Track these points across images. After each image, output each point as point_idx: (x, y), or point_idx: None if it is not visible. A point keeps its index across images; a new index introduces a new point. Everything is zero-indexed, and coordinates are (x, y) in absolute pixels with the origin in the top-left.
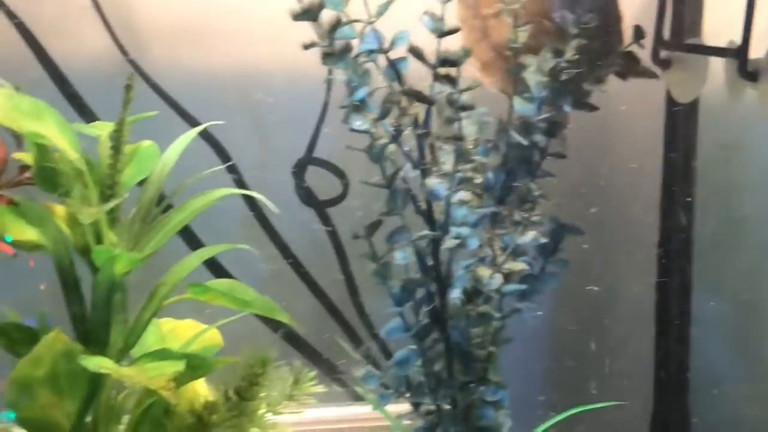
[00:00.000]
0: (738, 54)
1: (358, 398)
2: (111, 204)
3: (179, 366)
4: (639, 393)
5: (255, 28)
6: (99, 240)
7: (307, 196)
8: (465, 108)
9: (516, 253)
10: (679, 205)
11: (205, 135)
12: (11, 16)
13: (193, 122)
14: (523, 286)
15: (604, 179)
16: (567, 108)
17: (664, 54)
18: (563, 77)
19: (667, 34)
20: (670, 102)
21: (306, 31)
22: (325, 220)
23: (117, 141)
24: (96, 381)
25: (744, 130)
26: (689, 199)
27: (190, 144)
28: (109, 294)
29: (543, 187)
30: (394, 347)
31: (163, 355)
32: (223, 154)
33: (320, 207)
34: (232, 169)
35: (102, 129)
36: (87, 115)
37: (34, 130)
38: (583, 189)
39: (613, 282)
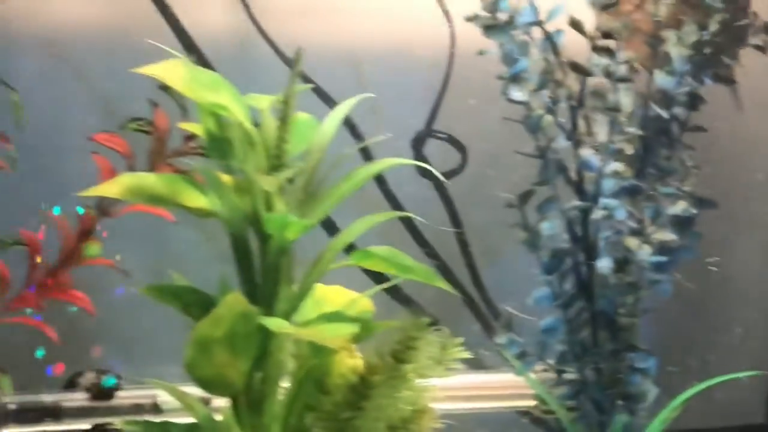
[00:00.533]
0: None
1: (480, 366)
2: (288, 173)
3: (354, 328)
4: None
5: (370, 5)
6: (269, 208)
7: (425, 169)
8: (623, 80)
9: (666, 224)
10: None
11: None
12: None
13: (322, 95)
14: (666, 258)
15: (732, 153)
16: (707, 81)
17: None
18: (706, 51)
19: None
20: None
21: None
22: (442, 192)
23: (284, 113)
24: (268, 341)
25: None
26: None
27: (318, 116)
28: (279, 259)
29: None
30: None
31: (335, 317)
32: (351, 128)
33: (438, 179)
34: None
35: (261, 101)
36: None
37: (212, 100)
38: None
39: (732, 255)
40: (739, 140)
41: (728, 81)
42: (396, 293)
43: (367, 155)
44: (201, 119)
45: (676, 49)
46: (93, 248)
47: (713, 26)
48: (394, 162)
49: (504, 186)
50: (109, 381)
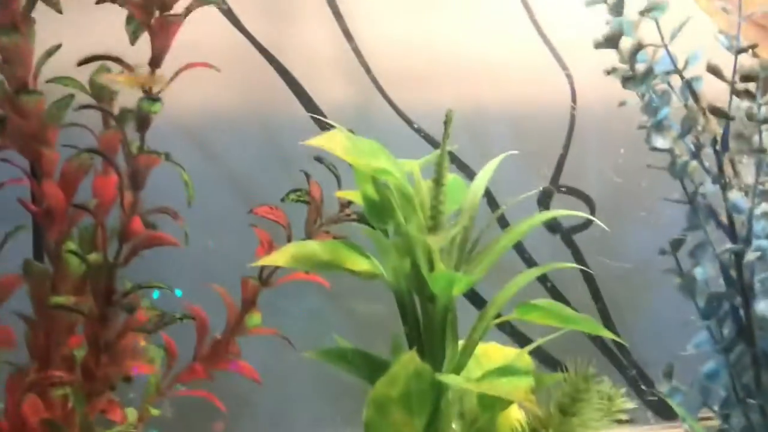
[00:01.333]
0: None
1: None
2: (453, 231)
3: (530, 380)
4: None
5: (473, 70)
6: (431, 267)
7: (553, 224)
8: (765, 122)
9: None
10: None
11: (457, 162)
12: (282, 71)
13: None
14: None
15: None
16: None
17: None
18: None
19: None
20: None
21: (516, 68)
22: (571, 245)
23: (439, 175)
24: (441, 397)
25: None
26: None
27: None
28: (445, 315)
29: None
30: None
31: (508, 372)
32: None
33: (566, 234)
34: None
35: (413, 165)
36: None
37: (374, 166)
38: None
39: None
40: None
41: None
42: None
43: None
44: (359, 185)
45: None
46: (255, 318)
47: None
48: (546, 216)
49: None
50: None
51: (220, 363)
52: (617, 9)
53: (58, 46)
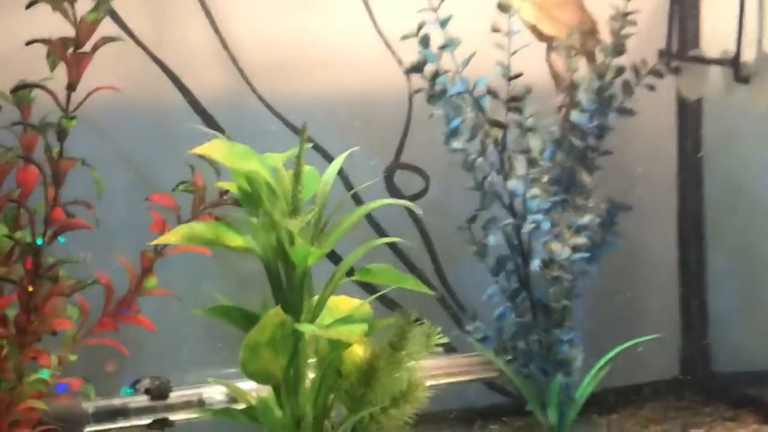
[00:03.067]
0: (732, 63)
1: (452, 349)
2: (308, 217)
3: (365, 327)
4: (668, 331)
5: (340, 58)
6: (292, 242)
7: (395, 192)
8: (530, 129)
9: (578, 230)
10: (691, 177)
11: (320, 150)
12: (156, 59)
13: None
14: (587, 255)
15: (634, 162)
16: (612, 116)
17: (674, 63)
18: (606, 94)
19: (675, 46)
20: (681, 100)
21: (379, 58)
22: (413, 216)
23: (297, 170)
24: (299, 342)
25: (739, 120)
26: (699, 173)
27: (311, 156)
28: (303, 280)
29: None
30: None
31: (348, 320)
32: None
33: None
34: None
35: (277, 160)
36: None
37: (246, 167)
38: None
39: (642, 243)
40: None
41: (629, 113)
42: (383, 299)
43: (348, 186)
44: (235, 180)
45: (583, 94)
46: (152, 282)
47: (609, 75)
48: (385, 202)
49: (458, 206)
50: (125, 391)
51: (123, 318)
52: (425, 43)
53: None
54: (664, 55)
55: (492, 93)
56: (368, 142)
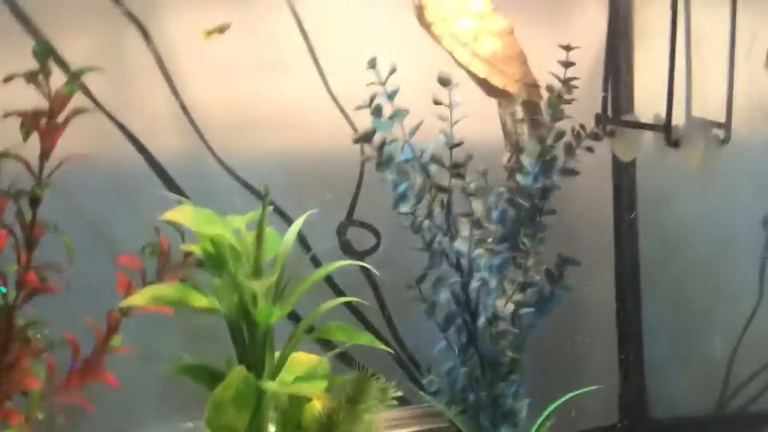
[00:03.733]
0: (663, 128)
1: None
2: (272, 279)
3: (325, 383)
4: (607, 380)
5: (292, 118)
6: (255, 303)
7: (348, 249)
8: (471, 194)
9: (524, 287)
10: (627, 234)
11: (277, 209)
12: (113, 119)
13: (257, 195)
14: (531, 309)
15: (574, 220)
16: (556, 177)
17: (609, 127)
18: (547, 157)
19: (610, 110)
20: (616, 161)
21: (333, 120)
22: (363, 268)
23: (259, 233)
24: (262, 398)
25: (671, 180)
26: (634, 231)
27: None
28: (265, 337)
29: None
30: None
31: (309, 376)
32: (289, 222)
33: (358, 257)
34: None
35: (239, 222)
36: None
37: (212, 231)
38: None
39: (583, 297)
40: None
41: (572, 173)
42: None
43: (303, 242)
44: (200, 243)
45: (527, 158)
46: (116, 340)
47: (550, 140)
48: (343, 263)
49: (409, 262)
50: None
51: (89, 376)
52: (377, 113)
53: None
54: (601, 119)
55: (437, 160)
56: (322, 200)
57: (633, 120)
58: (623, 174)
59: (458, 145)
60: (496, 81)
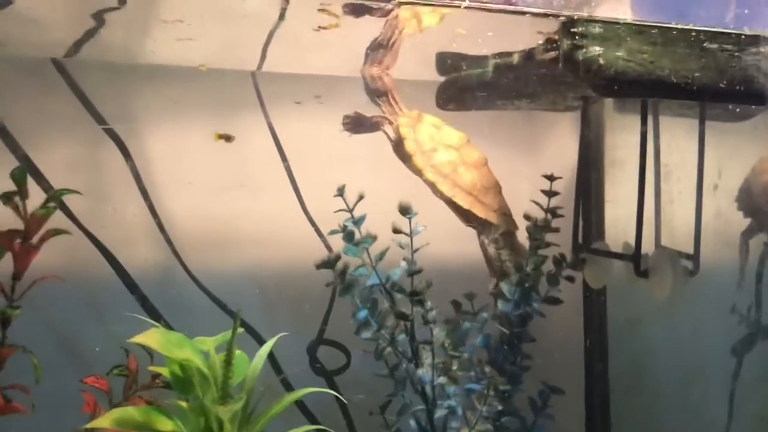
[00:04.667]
0: (633, 259)
1: None
2: (238, 405)
3: None
4: None
5: (267, 234)
6: (221, 428)
7: (319, 368)
8: (429, 322)
9: (492, 416)
10: (597, 362)
11: (246, 327)
12: (86, 232)
13: (228, 312)
14: None
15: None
16: (536, 305)
17: (581, 255)
18: (526, 285)
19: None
20: (586, 287)
21: (306, 237)
22: (332, 386)
23: (228, 357)
24: None
25: (640, 308)
26: (604, 358)
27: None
28: None
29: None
30: None
31: None
32: (259, 340)
33: (329, 376)
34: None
35: (207, 344)
36: (149, 310)
37: (179, 355)
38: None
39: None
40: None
41: (555, 302)
42: None
43: (273, 360)
44: (168, 366)
45: (506, 286)
46: None
47: (529, 266)
48: (309, 390)
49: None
50: None
51: None
52: (349, 239)
53: None
54: (577, 247)
55: (399, 289)
56: (294, 318)
57: (603, 248)
58: (593, 302)
59: (417, 272)
60: (478, 211)
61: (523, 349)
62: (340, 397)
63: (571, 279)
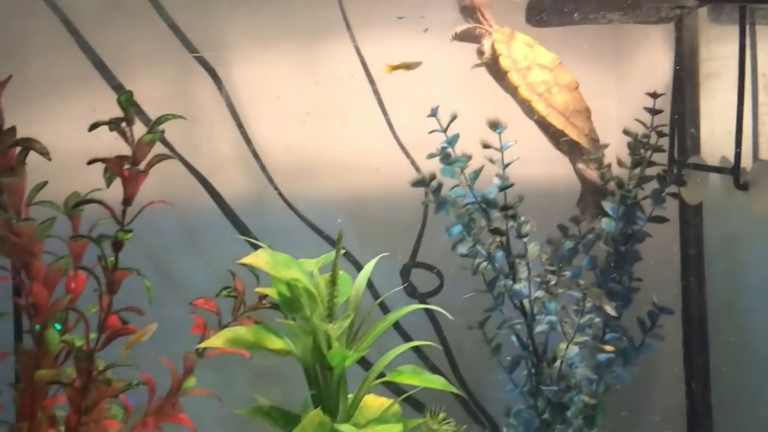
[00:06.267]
0: (732, 171)
1: None
2: (346, 322)
3: (400, 426)
4: (675, 425)
5: (358, 162)
6: (329, 346)
7: (411, 290)
8: (523, 236)
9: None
10: (694, 280)
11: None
12: (183, 161)
13: (325, 238)
14: (610, 355)
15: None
16: (641, 223)
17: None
18: (628, 202)
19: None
20: (682, 203)
21: (396, 163)
22: (427, 311)
23: (333, 276)
24: None
25: (738, 224)
26: (701, 276)
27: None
28: (339, 380)
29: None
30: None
31: (383, 419)
32: (356, 264)
33: (422, 298)
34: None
35: (311, 265)
36: (243, 232)
37: (287, 275)
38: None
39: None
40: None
41: (661, 220)
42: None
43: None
44: (275, 286)
45: (608, 204)
46: (191, 382)
47: (631, 183)
48: (413, 308)
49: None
50: None
51: (164, 417)
52: (446, 160)
53: (45, 183)
54: (675, 162)
55: (490, 203)
56: (386, 243)
57: (700, 163)
58: (689, 218)
59: (509, 186)
60: (571, 133)
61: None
62: (447, 314)
63: (674, 195)
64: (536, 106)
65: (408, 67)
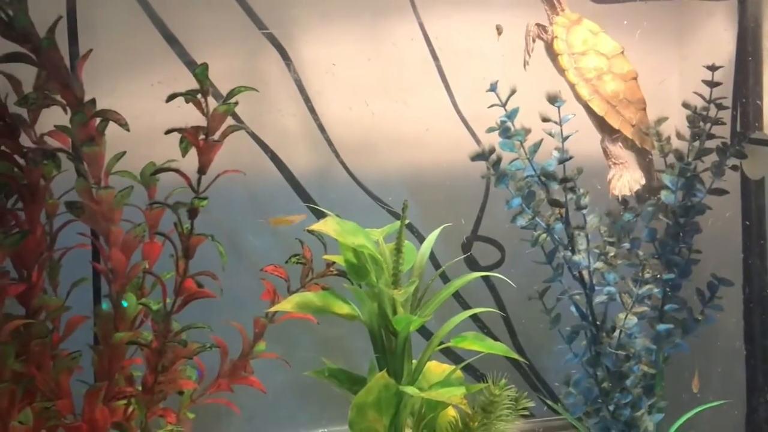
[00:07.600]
0: None
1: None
2: (411, 288)
3: (463, 389)
4: (734, 396)
5: (420, 136)
6: (395, 311)
7: (472, 264)
8: (582, 207)
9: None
10: (755, 253)
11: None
12: (252, 134)
13: (389, 211)
14: (669, 326)
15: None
16: (701, 195)
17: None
18: (687, 174)
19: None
20: (744, 178)
21: (458, 137)
22: (487, 282)
23: (398, 244)
24: (401, 403)
25: None
26: (763, 250)
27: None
28: (404, 345)
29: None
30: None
31: (446, 383)
32: (418, 236)
33: (483, 271)
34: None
35: (377, 234)
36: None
37: (355, 242)
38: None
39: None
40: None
41: (720, 192)
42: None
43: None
44: (343, 253)
45: (667, 176)
46: (261, 346)
47: (691, 156)
48: (476, 275)
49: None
50: None
51: (236, 379)
52: (505, 134)
53: (123, 153)
54: (738, 136)
55: (549, 175)
56: (447, 217)
57: (764, 138)
58: (751, 193)
59: (568, 159)
60: (613, 121)
61: (689, 240)
62: (509, 281)
63: (735, 168)
64: (580, 90)
65: (290, 222)
